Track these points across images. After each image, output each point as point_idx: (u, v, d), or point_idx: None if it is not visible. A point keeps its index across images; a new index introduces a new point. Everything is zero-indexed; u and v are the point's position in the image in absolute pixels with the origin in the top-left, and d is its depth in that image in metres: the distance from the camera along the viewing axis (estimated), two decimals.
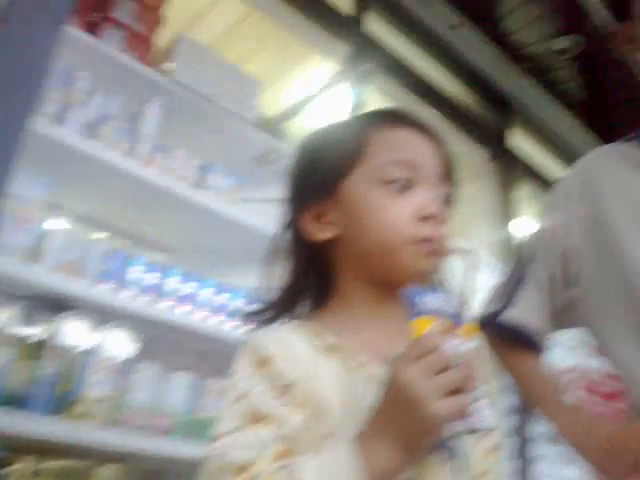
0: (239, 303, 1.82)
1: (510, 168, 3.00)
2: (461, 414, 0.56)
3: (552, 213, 1.04)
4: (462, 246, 0.69)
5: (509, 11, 2.78)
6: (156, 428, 1.51)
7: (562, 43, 2.91)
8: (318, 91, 2.40)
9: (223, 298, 1.79)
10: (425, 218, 0.69)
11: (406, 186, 0.71)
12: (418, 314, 0.58)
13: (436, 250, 0.69)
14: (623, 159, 0.99)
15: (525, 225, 3.15)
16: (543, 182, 3.28)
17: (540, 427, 2.49)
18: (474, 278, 0.66)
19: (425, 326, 0.58)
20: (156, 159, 1.75)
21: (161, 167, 1.75)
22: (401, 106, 2.50)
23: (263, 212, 1.79)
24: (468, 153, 2.90)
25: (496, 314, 1.02)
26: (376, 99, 2.31)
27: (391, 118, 0.77)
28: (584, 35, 2.88)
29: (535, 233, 1.07)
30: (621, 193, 0.95)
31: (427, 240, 0.68)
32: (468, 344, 0.59)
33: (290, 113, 2.38)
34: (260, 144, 2.00)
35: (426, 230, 0.69)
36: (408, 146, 0.73)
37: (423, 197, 0.70)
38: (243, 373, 0.65)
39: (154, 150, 1.75)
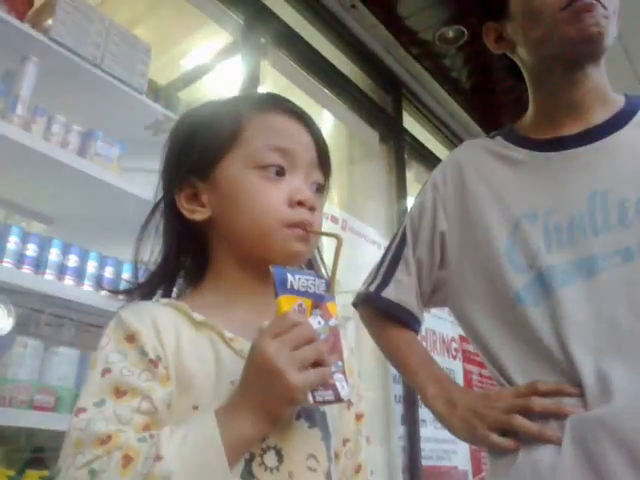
0: (123, 276, 1.77)
1: (401, 149, 3.11)
2: (320, 385, 0.61)
3: (424, 199, 1.09)
4: (329, 230, 0.72)
5: None
6: (41, 404, 1.45)
7: (452, 31, 3.04)
8: (211, 61, 2.35)
9: (107, 271, 1.73)
10: (297, 204, 0.72)
11: (280, 172, 0.73)
12: (284, 292, 0.63)
13: (306, 234, 0.72)
14: (488, 152, 1.06)
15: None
16: (431, 164, 3.43)
17: None
18: (339, 260, 0.68)
19: (290, 304, 0.63)
20: (35, 122, 1.64)
21: (40, 131, 1.65)
22: (295, 83, 2.51)
23: (151, 183, 1.72)
24: (360, 133, 2.97)
25: (372, 293, 1.08)
26: (270, 73, 2.29)
27: (269, 103, 0.78)
28: (471, 25, 3.03)
29: (407, 217, 1.13)
30: (484, 183, 1.02)
31: (298, 224, 0.72)
32: (329, 322, 0.65)
33: (182, 82, 2.32)
34: (151, 113, 1.93)
35: (298, 215, 0.72)
36: (284, 133, 0.75)
37: (296, 184, 0.74)
38: (110, 347, 0.66)
39: (33, 113, 1.64)
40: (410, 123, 3.30)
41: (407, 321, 1.07)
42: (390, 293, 1.06)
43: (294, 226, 0.72)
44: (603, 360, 0.83)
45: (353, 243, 2.53)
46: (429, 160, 3.42)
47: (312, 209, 0.73)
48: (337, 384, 0.62)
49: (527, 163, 1.00)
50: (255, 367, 0.60)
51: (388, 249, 1.13)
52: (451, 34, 3.03)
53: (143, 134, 1.95)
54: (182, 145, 0.78)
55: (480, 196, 1.02)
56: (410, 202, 3.08)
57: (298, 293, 0.63)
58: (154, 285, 0.78)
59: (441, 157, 3.56)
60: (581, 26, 0.91)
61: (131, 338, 0.66)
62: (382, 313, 1.08)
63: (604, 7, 0.91)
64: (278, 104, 0.78)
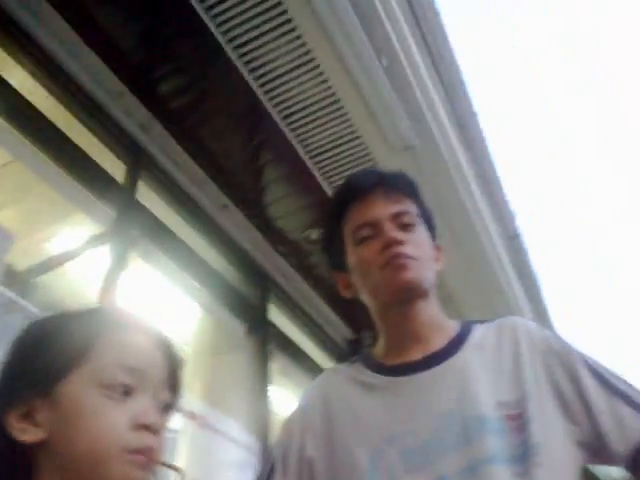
0: None
1: (266, 341, 3.14)
2: None
3: (291, 426, 1.13)
4: (172, 463, 0.70)
5: (275, 199, 3.11)
6: None
7: (315, 233, 3.31)
8: (77, 248, 2.34)
9: None
10: (141, 427, 0.68)
11: (126, 392, 0.70)
12: None
13: (149, 461, 0.69)
14: (349, 379, 1.13)
15: (277, 396, 3.25)
16: (295, 355, 3.48)
17: None
18: None
19: None
20: None
21: None
22: (163, 274, 2.54)
23: None
24: (228, 325, 2.99)
25: None
26: (136, 264, 2.31)
27: (121, 320, 0.77)
28: None
29: (277, 444, 1.14)
30: (347, 409, 1.08)
31: (141, 451, 0.68)
32: None
33: (44, 267, 2.26)
34: (3, 295, 1.84)
35: (141, 440, 0.68)
36: (135, 352, 0.73)
37: (142, 405, 0.70)
38: None
39: None
40: (276, 316, 3.39)
41: None
42: None
43: (136, 452, 0.67)
44: None
45: (212, 440, 2.41)
46: (294, 352, 3.48)
47: (157, 433, 0.70)
48: None
49: (381, 388, 1.07)
50: None
51: (259, 475, 1.11)
52: (315, 235, 3.29)
53: None
54: (24, 356, 0.73)
55: (343, 422, 1.07)
56: (273, 393, 3.05)
57: None
58: None
59: (306, 350, 3.63)
60: (397, 279, 1.05)
61: None
62: None
63: (414, 259, 1.06)
64: (131, 322, 0.77)
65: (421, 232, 1.12)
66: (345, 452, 1.04)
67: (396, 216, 1.10)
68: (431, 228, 1.17)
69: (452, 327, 1.12)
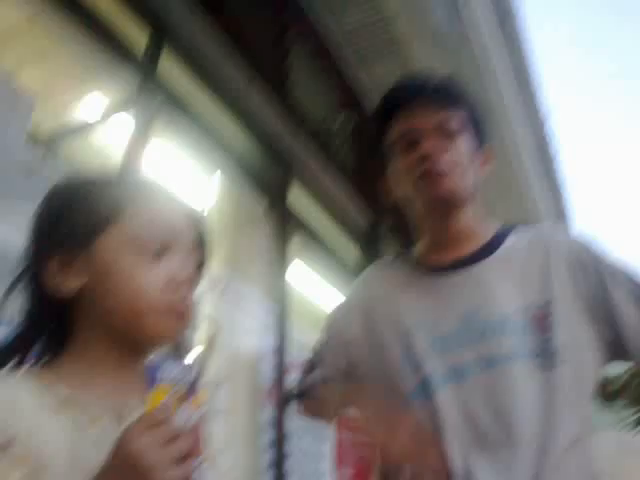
0: None
1: (285, 220, 3.20)
2: (187, 478, 0.60)
3: (339, 311, 1.29)
4: (208, 314, 0.74)
5: (301, 79, 3.05)
6: None
7: (341, 116, 3.26)
8: (100, 115, 2.35)
9: None
10: (175, 285, 0.72)
11: (160, 253, 0.73)
12: (156, 384, 0.63)
13: (183, 317, 0.73)
14: (390, 273, 1.26)
15: (295, 272, 3.36)
16: (313, 238, 3.55)
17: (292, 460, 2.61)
18: (213, 349, 0.69)
19: (160, 396, 0.62)
20: None
21: None
22: (186, 146, 2.56)
23: (13, 231, 1.66)
24: (248, 203, 3.04)
25: (297, 395, 1.27)
26: (158, 137, 2.32)
27: (152, 187, 0.80)
28: (357, 112, 3.28)
29: (326, 326, 1.29)
30: (385, 300, 1.20)
31: (175, 307, 0.72)
32: (198, 412, 0.64)
33: (66, 133, 2.28)
34: (26, 158, 1.88)
35: (175, 297, 0.72)
36: (166, 216, 0.76)
37: (175, 264, 0.74)
38: None
39: None
40: (296, 198, 3.42)
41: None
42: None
43: (170, 308, 0.71)
44: (469, 457, 0.99)
45: (233, 305, 2.53)
46: (312, 234, 3.54)
47: (190, 290, 0.74)
48: (201, 475, 0.63)
49: (417, 283, 1.19)
50: (120, 462, 0.58)
51: (310, 359, 1.28)
52: (340, 118, 3.26)
53: (14, 179, 1.88)
54: (61, 209, 0.76)
55: (381, 311, 1.20)
56: (290, 273, 3.15)
57: (169, 384, 0.63)
58: (11, 352, 0.74)
59: (324, 233, 3.69)
60: (431, 193, 1.11)
61: None
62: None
63: (451, 171, 1.11)
64: (161, 192, 0.80)
65: (464, 140, 1.14)
66: (381, 336, 1.16)
67: (436, 126, 1.12)
68: (480, 132, 1.19)
69: (488, 233, 1.19)
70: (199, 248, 0.79)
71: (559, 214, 5.06)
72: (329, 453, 3.01)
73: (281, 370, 2.68)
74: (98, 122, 2.34)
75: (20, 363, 0.73)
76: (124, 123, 2.28)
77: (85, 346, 0.73)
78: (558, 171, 4.87)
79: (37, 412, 0.64)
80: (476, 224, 1.19)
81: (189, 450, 0.60)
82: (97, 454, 0.61)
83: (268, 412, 2.55)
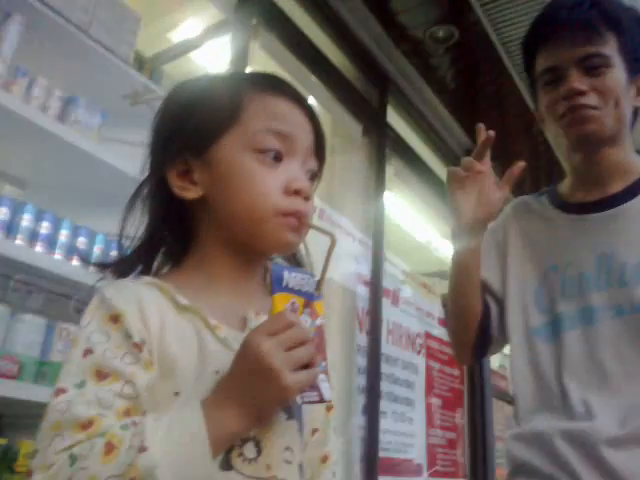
0: (96, 248, 1.74)
1: (383, 143, 3.11)
2: (309, 386, 0.61)
3: (489, 235, 1.27)
4: (324, 227, 0.72)
5: None
6: (4, 371, 1.42)
7: (442, 31, 3.05)
8: (199, 37, 2.32)
9: (79, 241, 1.70)
10: (294, 192, 0.70)
11: (278, 157, 0.71)
12: (279, 290, 0.62)
13: (300, 225, 0.71)
14: (531, 212, 1.25)
15: (391, 200, 3.30)
16: (411, 160, 3.45)
17: (385, 386, 2.68)
18: (330, 260, 0.67)
19: (285, 302, 0.63)
20: (15, 83, 1.60)
21: (21, 93, 1.61)
22: (283, 67, 2.49)
23: (130, 155, 1.70)
24: (344, 123, 2.96)
25: None
26: (258, 56, 2.27)
27: (271, 85, 0.76)
28: (461, 27, 3.04)
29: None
30: (523, 237, 1.23)
31: (293, 214, 0.70)
32: (318, 322, 0.65)
33: (168, 55, 2.28)
34: (134, 83, 1.89)
35: (293, 204, 0.70)
36: (285, 117, 0.73)
37: (293, 171, 0.72)
38: (93, 327, 0.64)
39: (14, 73, 1.60)
40: (393, 118, 3.30)
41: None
42: None
43: (288, 215, 0.70)
44: (589, 393, 1.02)
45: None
46: (409, 157, 3.43)
47: (307, 199, 0.72)
48: (321, 385, 0.63)
49: (557, 222, 1.19)
50: (248, 364, 0.59)
51: None
52: (441, 34, 3.04)
53: (123, 105, 1.91)
54: (176, 118, 0.75)
55: (520, 246, 1.22)
56: (388, 197, 3.09)
57: (292, 291, 0.63)
58: (135, 261, 0.75)
59: (421, 155, 3.57)
60: (575, 131, 1.09)
61: (115, 319, 0.63)
62: None
63: (596, 108, 1.07)
64: (280, 87, 0.76)
65: (614, 73, 1.08)
66: (518, 272, 1.19)
67: (583, 60, 1.08)
68: (638, 61, 1.11)
69: (634, 170, 1.14)
70: (316, 154, 0.77)
71: None
72: (420, 382, 3.06)
73: (376, 298, 2.69)
74: (198, 44, 2.32)
75: (145, 271, 0.76)
76: (222, 47, 2.24)
77: (206, 253, 0.74)
78: None
79: (165, 315, 0.66)
80: (625, 161, 1.14)
81: (313, 357, 0.61)
82: (222, 357, 0.63)
83: (362, 338, 2.59)
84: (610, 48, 1.08)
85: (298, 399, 0.61)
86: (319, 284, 0.66)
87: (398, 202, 3.59)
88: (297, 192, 0.71)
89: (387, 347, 2.78)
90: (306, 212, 0.72)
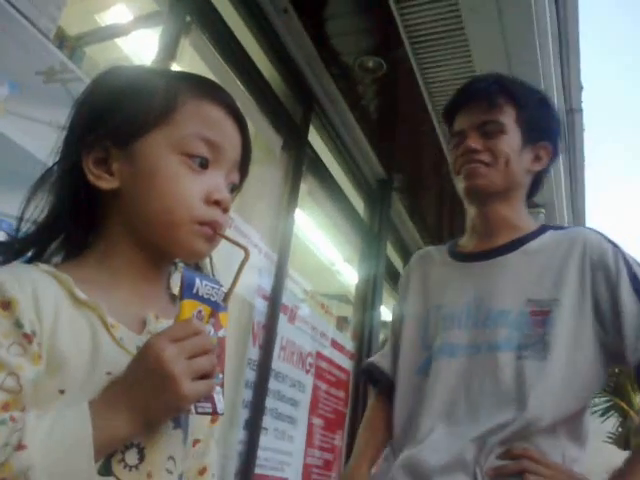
0: None
1: (302, 159, 3.13)
2: (205, 396, 0.61)
3: (399, 297, 1.42)
4: (238, 240, 0.71)
5: (337, 14, 2.90)
6: None
7: (371, 62, 3.13)
8: (129, 24, 2.24)
9: None
10: (214, 202, 0.70)
11: (204, 165, 0.70)
12: (189, 296, 0.61)
13: (214, 235, 0.71)
14: (432, 258, 1.38)
15: (301, 218, 3.32)
16: (325, 181, 3.49)
17: (270, 402, 2.66)
18: (241, 274, 0.67)
19: (193, 309, 0.62)
20: None
21: None
22: (210, 69, 2.46)
23: (36, 134, 1.60)
24: (265, 135, 2.95)
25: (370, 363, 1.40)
26: (186, 53, 2.23)
27: (208, 90, 0.75)
28: (390, 61, 3.15)
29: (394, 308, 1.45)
30: (423, 280, 1.34)
31: (209, 224, 0.70)
32: (220, 333, 0.64)
33: (93, 38, 2.17)
34: (52, 59, 1.79)
35: (212, 214, 0.70)
36: (217, 126, 0.72)
37: (217, 181, 0.71)
38: None
39: None
40: (314, 138, 3.34)
41: (379, 379, 1.35)
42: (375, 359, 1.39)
43: (205, 224, 0.69)
44: (438, 422, 1.11)
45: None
46: (324, 177, 3.48)
47: (226, 210, 0.71)
48: (216, 397, 0.62)
49: (448, 269, 1.31)
50: (146, 368, 0.58)
51: (389, 334, 1.42)
52: (370, 64, 3.13)
53: (36, 80, 1.80)
54: (104, 102, 0.71)
55: (416, 290, 1.34)
56: (298, 215, 3.11)
57: (201, 299, 0.63)
58: (28, 244, 0.70)
59: (336, 176, 3.63)
60: (467, 184, 1.23)
61: (6, 305, 0.59)
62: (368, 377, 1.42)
63: (489, 165, 1.21)
64: (217, 95, 0.74)
65: (509, 139, 1.22)
66: (411, 312, 1.31)
67: (481, 125, 1.23)
68: (534, 131, 1.25)
69: (525, 228, 1.25)
70: (239, 169, 0.77)
71: (573, 193, 5.00)
72: (305, 401, 3.07)
73: (273, 313, 2.69)
74: (127, 31, 2.24)
75: (35, 258, 0.71)
76: (151, 39, 2.18)
77: (110, 248, 0.71)
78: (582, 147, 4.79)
79: (60, 307, 0.62)
80: (513, 218, 1.26)
81: (213, 368, 0.60)
82: (116, 358, 0.61)
83: (254, 351, 2.57)
84: (507, 117, 1.23)
85: (192, 409, 0.60)
86: (227, 296, 0.66)
87: (307, 221, 3.62)
88: (217, 203, 0.70)
89: (277, 363, 2.77)
90: (222, 223, 0.71)
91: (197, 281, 0.62)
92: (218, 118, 0.73)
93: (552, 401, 1.06)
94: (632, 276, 1.10)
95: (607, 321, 1.10)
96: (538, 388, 1.05)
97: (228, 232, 0.77)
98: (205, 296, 0.63)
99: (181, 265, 0.75)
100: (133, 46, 2.33)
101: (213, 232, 0.70)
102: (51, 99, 1.78)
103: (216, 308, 0.64)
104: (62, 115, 0.76)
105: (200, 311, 0.62)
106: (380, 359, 1.37)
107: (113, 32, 2.24)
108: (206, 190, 0.70)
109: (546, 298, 1.13)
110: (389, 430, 1.25)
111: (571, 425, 1.09)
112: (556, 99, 3.57)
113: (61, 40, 1.97)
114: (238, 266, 0.67)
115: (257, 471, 2.52)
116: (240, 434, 2.45)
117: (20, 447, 0.51)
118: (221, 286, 0.65)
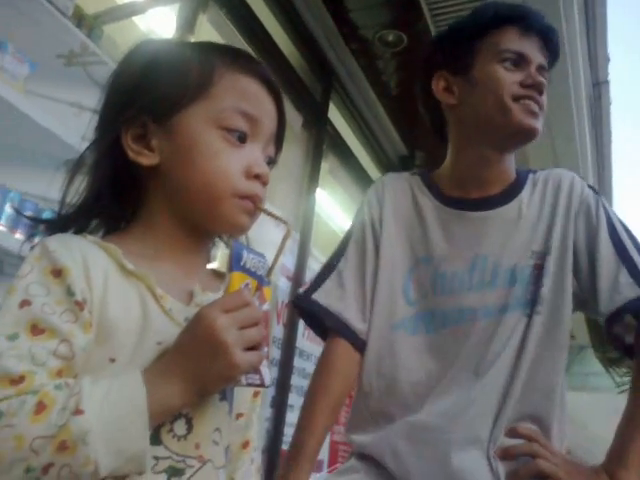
0: (6, 207, 1.63)
1: (322, 137, 3.10)
2: (255, 368, 0.61)
3: (363, 217, 1.22)
4: (279, 214, 0.71)
5: None
6: None
7: (391, 35, 3.08)
8: (146, 2, 2.22)
9: None
10: (254, 176, 0.70)
11: (242, 139, 0.70)
12: (237, 269, 0.62)
13: (255, 209, 0.71)
14: (405, 191, 1.21)
15: (322, 197, 3.30)
16: (347, 158, 3.46)
17: (296, 380, 2.67)
18: (284, 248, 0.67)
19: (241, 281, 0.62)
20: None
21: None
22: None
23: (57, 113, 1.60)
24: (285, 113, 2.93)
25: (305, 294, 1.18)
26: (204, 30, 2.20)
27: (244, 63, 0.73)
28: (410, 35, 3.08)
29: (346, 232, 1.25)
30: (397, 221, 1.18)
31: (250, 197, 0.70)
32: (265, 307, 0.65)
33: (111, 16, 2.16)
34: (71, 39, 1.78)
35: (252, 188, 0.70)
36: (255, 100, 0.72)
37: (256, 155, 0.71)
38: (32, 278, 0.59)
39: None
40: (334, 115, 3.30)
41: (335, 327, 1.14)
42: (320, 297, 1.15)
43: (246, 198, 0.69)
44: (446, 388, 1.03)
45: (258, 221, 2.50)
46: (346, 155, 3.45)
47: (265, 184, 0.71)
48: (263, 370, 0.63)
49: (433, 213, 1.15)
50: (199, 337, 0.58)
51: (329, 259, 1.22)
52: (390, 38, 3.07)
53: (57, 60, 1.80)
54: (140, 78, 0.70)
55: (391, 232, 1.17)
56: (320, 193, 3.09)
57: (248, 272, 0.63)
58: (72, 221, 0.71)
59: (357, 155, 3.60)
60: (524, 121, 1.06)
61: (58, 273, 0.59)
62: (308, 315, 1.19)
63: (543, 112, 1.08)
64: (254, 67, 0.73)
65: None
66: (389, 255, 1.15)
67: (540, 67, 1.10)
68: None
69: (511, 174, 1.16)
70: (275, 143, 0.77)
71: (600, 169, 4.90)
72: None
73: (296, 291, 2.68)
74: (144, 9, 2.21)
75: (82, 230, 0.71)
76: (168, 16, 2.16)
77: (154, 223, 0.71)
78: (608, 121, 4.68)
79: (109, 277, 0.63)
80: (509, 166, 1.16)
81: (262, 339, 0.61)
82: (166, 328, 0.62)
83: (278, 330, 2.58)
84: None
85: (242, 380, 0.60)
86: (269, 271, 0.66)
87: (329, 199, 3.60)
88: (257, 176, 0.70)
89: (302, 342, 2.78)
90: (263, 197, 0.71)
91: (245, 253, 0.63)
92: (255, 91, 0.72)
93: (546, 357, 1.04)
94: (610, 226, 1.07)
95: (582, 269, 1.06)
96: (533, 345, 1.03)
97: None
98: (252, 269, 0.64)
99: (217, 240, 0.75)
100: (151, 24, 2.31)
101: (254, 206, 0.70)
102: (72, 81, 1.78)
103: (261, 282, 0.65)
104: (84, 97, 0.75)
105: (247, 284, 0.63)
106: (338, 303, 1.14)
107: (131, 10, 2.22)
108: (246, 164, 0.69)
109: (540, 250, 1.08)
110: (353, 380, 1.15)
111: (560, 388, 1.05)
112: (582, 71, 3.48)
113: (79, 19, 1.96)
114: (281, 241, 0.67)
115: (284, 447, 2.54)
116: (267, 411, 2.46)
117: (77, 412, 0.52)
118: (266, 260, 0.66)
